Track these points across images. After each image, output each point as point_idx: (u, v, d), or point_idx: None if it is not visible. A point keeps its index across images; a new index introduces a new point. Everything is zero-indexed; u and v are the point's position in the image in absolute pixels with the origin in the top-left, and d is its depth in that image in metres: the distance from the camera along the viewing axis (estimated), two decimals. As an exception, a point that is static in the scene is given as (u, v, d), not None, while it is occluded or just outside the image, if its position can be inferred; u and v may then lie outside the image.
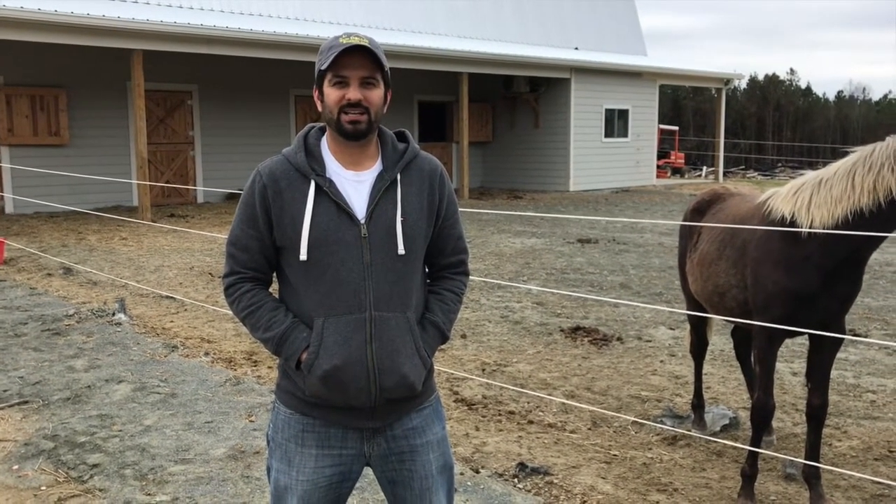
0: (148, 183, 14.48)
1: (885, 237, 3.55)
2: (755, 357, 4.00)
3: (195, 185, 18.28)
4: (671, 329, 7.37)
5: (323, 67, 2.16)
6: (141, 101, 14.74)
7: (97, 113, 17.06)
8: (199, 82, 18.43)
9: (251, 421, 4.90)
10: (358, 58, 2.15)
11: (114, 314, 7.49)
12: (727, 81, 28.16)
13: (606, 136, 23.90)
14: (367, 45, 2.13)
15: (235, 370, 5.97)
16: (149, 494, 3.91)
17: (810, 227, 3.60)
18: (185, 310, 7.93)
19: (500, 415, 5.13)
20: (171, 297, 8.36)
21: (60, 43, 14.10)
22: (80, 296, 8.52)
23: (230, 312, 2.14)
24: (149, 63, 15.22)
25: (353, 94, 2.15)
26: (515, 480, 4.14)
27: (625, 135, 24.53)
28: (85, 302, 8.18)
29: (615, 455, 4.51)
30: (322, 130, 2.30)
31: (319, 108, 2.23)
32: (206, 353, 6.38)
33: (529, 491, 4.03)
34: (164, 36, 14.79)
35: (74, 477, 4.12)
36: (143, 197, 14.88)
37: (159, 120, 17.93)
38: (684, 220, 4.87)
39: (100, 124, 17.11)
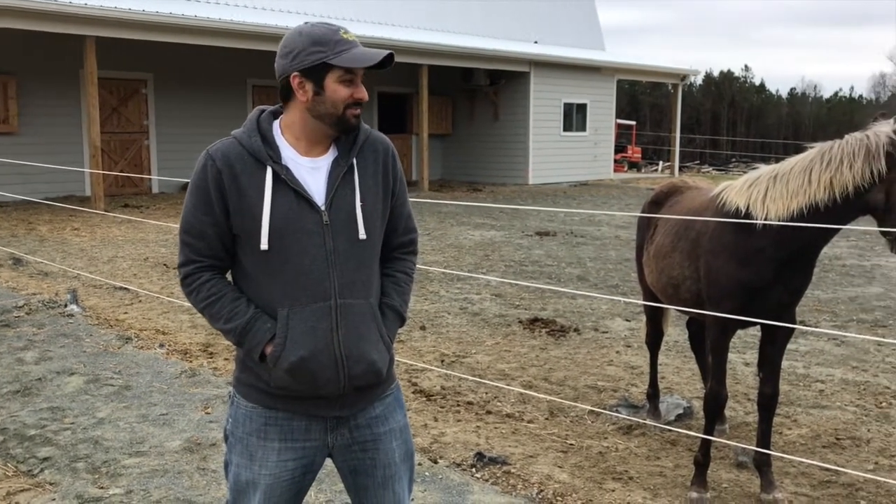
0: (101, 172, 14.20)
1: (838, 230, 3.64)
2: (708, 347, 4.07)
3: (150, 175, 17.98)
4: (627, 320, 7.46)
5: (334, 63, 2.11)
6: (94, 89, 14.42)
7: (48, 101, 16.65)
8: (155, 70, 18.10)
9: (207, 413, 4.85)
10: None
11: (66, 305, 7.34)
12: (683, 77, 28.52)
13: (565, 129, 24.05)
14: (390, 53, 2.14)
15: (191, 362, 5.90)
16: (101, 488, 3.85)
17: (765, 220, 3.66)
18: (140, 301, 7.80)
19: (458, 405, 5.14)
20: (125, 289, 8.22)
21: (10, 28, 13.72)
22: (30, 287, 8.33)
23: (186, 304, 2.10)
24: (102, 50, 14.88)
25: (363, 93, 2.17)
26: (473, 470, 4.16)
27: (583, 129, 24.72)
28: (35, 293, 8.00)
29: (572, 444, 4.56)
30: (273, 115, 2.25)
31: (305, 98, 2.14)
32: (161, 345, 6.29)
33: (487, 480, 4.06)
34: (118, 22, 14.48)
35: (24, 471, 4.03)
36: (97, 186, 14.58)
37: (113, 108, 17.57)
38: (642, 212, 4.92)
39: (51, 112, 16.71)
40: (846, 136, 3.55)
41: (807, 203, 3.55)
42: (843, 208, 3.51)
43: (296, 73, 2.14)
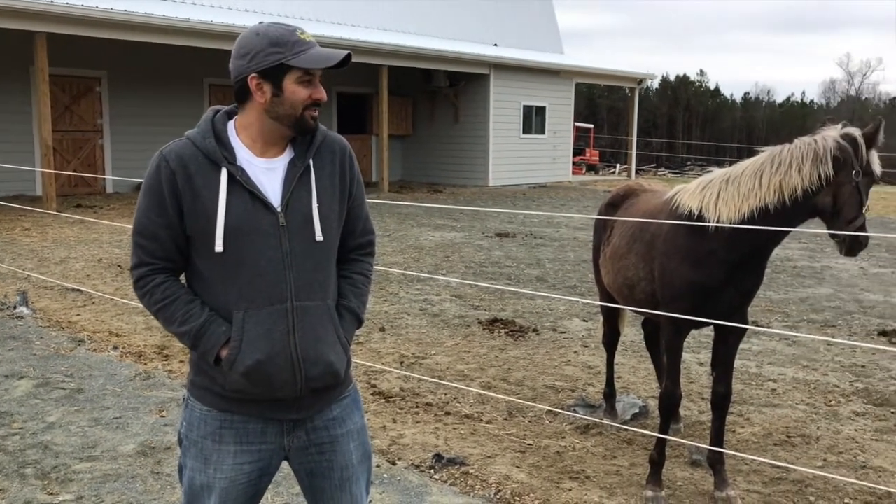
0: (53, 171, 13.89)
1: (789, 233, 3.72)
2: (663, 347, 4.12)
3: (104, 175, 17.66)
4: (585, 321, 7.53)
5: (293, 64, 2.09)
6: (45, 87, 14.10)
7: (-3, 97, 16.29)
8: (109, 68, 17.78)
9: (162, 416, 4.78)
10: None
11: (15, 307, 7.17)
12: (640, 81, 28.88)
13: (524, 132, 24.21)
14: (348, 53, 2.14)
15: (146, 364, 5.80)
16: (51, 494, 3.77)
17: (717, 222, 3.73)
18: (93, 303, 7.66)
19: (417, 407, 5.14)
20: (78, 290, 8.06)
21: (-43, 22, 13.38)
22: (-22, 288, 8.12)
23: (140, 305, 2.07)
24: (54, 47, 14.57)
25: (322, 93, 2.16)
26: (432, 471, 4.16)
27: (542, 131, 24.90)
28: (-17, 295, 7.81)
29: (530, 444, 4.59)
30: (228, 115, 2.22)
31: (263, 99, 2.12)
32: (115, 347, 6.18)
33: (445, 481, 4.06)
34: (70, 19, 14.17)
35: (-29, 477, 3.93)
36: (48, 186, 14.27)
37: (65, 107, 17.23)
38: (599, 214, 4.97)
39: (0, 110, 16.31)
40: (795, 141, 3.63)
41: (757, 206, 3.62)
42: (793, 211, 3.59)
43: (254, 75, 2.11)
